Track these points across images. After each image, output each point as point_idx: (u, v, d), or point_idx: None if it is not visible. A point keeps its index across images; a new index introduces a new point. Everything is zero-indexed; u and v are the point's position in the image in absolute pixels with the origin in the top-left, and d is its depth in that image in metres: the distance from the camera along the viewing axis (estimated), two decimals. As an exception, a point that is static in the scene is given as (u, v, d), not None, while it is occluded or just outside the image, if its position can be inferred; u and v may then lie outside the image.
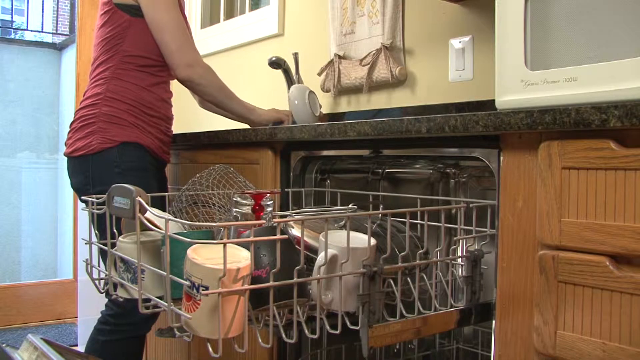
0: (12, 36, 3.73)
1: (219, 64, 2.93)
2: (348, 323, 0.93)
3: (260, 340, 0.87)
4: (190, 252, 0.82)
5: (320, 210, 1.24)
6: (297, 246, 0.99)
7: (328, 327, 0.92)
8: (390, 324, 0.95)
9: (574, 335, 0.85)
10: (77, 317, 3.01)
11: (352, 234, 0.94)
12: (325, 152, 1.40)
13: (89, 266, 1.15)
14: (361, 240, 0.96)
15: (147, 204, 0.92)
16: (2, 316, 3.14)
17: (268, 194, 1.06)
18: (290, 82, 2.22)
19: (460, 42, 1.77)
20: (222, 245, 0.78)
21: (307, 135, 1.29)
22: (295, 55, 2.25)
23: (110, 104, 1.60)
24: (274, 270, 0.84)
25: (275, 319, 0.87)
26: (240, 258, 0.83)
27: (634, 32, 0.87)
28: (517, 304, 0.95)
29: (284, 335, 0.89)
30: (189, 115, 3.06)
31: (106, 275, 1.09)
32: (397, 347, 1.65)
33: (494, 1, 1.06)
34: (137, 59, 1.63)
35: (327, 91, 2.19)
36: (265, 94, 2.61)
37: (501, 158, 0.98)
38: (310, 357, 1.50)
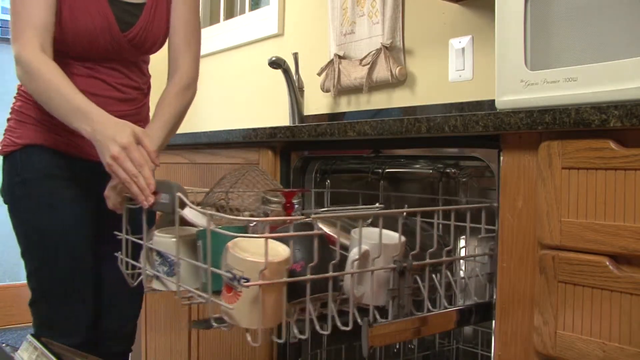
0: (12, 36, 3.71)
1: (219, 64, 2.93)
2: (359, 320, 0.95)
3: (296, 331, 0.90)
4: (231, 245, 0.85)
5: (346, 208, 1.26)
6: (328, 243, 1.01)
7: (359, 320, 0.94)
8: (390, 323, 0.95)
9: (573, 335, 0.85)
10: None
11: (377, 231, 0.97)
12: (325, 152, 1.39)
13: (122, 260, 1.17)
14: (390, 237, 0.99)
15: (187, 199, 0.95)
16: (2, 316, 3.14)
17: (298, 192, 1.09)
18: (290, 82, 2.22)
19: (460, 42, 1.77)
20: (258, 239, 0.82)
21: (307, 135, 1.29)
22: (295, 55, 2.25)
23: (21, 98, 1.34)
24: (311, 264, 0.87)
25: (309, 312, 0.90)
26: (278, 252, 0.86)
27: (634, 32, 0.87)
28: (517, 304, 0.95)
29: (318, 327, 0.91)
30: (188, 115, 3.06)
31: (141, 268, 1.11)
32: (397, 347, 1.65)
33: (494, 1, 1.06)
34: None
35: (327, 91, 2.19)
36: (265, 94, 2.61)
37: (501, 158, 0.98)
38: (310, 357, 1.50)
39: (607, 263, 0.82)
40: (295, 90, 2.23)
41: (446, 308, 1.03)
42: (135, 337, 1.51)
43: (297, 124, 1.81)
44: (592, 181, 0.84)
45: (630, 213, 0.80)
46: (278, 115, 2.51)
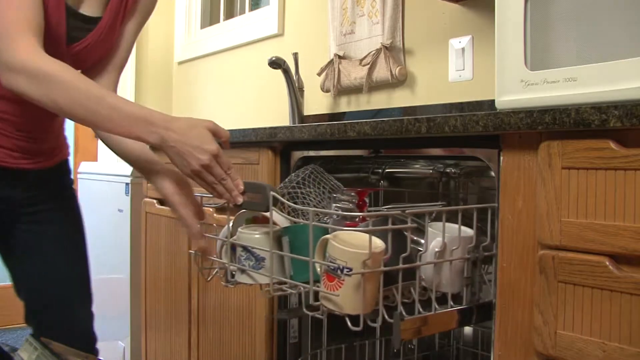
0: (12, 36, 3.71)
1: (219, 64, 2.94)
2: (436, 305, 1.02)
3: (386, 316, 0.94)
4: (332, 238, 0.93)
5: (419, 205, 1.30)
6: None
7: (436, 305, 1.02)
8: (416, 318, 0.99)
9: (573, 335, 0.85)
10: (77, 317, 2.99)
11: (449, 225, 1.03)
12: (325, 152, 1.39)
13: (197, 257, 1.20)
14: (463, 230, 1.07)
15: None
16: (2, 316, 3.13)
17: (370, 192, 1.17)
18: (290, 82, 2.22)
19: (460, 42, 1.77)
20: (355, 232, 0.95)
21: (307, 135, 1.29)
22: (295, 55, 2.25)
23: None
24: (404, 255, 0.94)
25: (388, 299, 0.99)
26: (376, 244, 0.93)
27: (634, 32, 0.87)
28: (517, 304, 0.95)
29: (404, 312, 0.97)
30: (188, 115, 3.06)
31: (218, 264, 1.17)
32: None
33: (494, 1, 1.06)
34: None
35: (327, 91, 2.19)
36: (265, 94, 2.61)
37: (501, 158, 0.98)
38: (310, 356, 1.50)
39: (607, 263, 0.82)
40: (295, 90, 2.23)
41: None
42: (95, 336, 1.38)
43: (297, 124, 1.81)
44: (592, 181, 0.84)
45: (630, 213, 0.80)
46: (278, 115, 2.51)
